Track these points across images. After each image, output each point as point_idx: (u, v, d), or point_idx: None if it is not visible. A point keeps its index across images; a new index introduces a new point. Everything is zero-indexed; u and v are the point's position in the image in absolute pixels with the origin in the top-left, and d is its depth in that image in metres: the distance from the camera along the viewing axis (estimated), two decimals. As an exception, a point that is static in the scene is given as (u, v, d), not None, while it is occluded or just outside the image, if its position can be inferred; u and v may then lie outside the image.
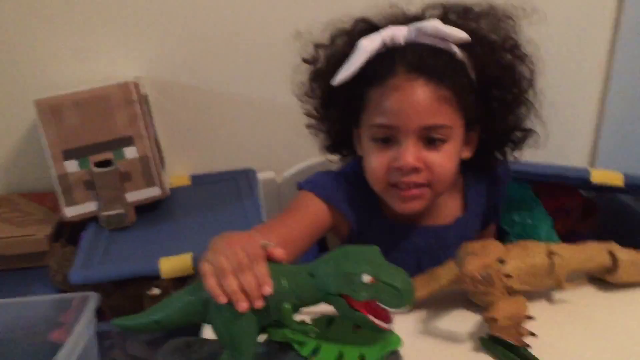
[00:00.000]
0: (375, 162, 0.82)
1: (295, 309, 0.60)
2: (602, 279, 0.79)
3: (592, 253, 0.76)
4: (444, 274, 0.75)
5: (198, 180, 1.64)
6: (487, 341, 0.69)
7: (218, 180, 1.63)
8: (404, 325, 0.73)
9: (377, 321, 0.57)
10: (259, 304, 0.57)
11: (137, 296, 1.26)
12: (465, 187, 0.94)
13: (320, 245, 1.01)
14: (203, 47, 1.55)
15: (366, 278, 0.55)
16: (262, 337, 0.62)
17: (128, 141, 1.41)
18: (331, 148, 0.94)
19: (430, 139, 0.79)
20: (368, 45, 0.78)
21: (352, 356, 0.60)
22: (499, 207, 0.99)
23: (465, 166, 0.89)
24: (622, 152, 1.60)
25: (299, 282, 0.59)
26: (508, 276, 0.69)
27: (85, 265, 1.26)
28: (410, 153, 0.78)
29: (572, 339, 0.71)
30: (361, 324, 0.59)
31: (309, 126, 0.93)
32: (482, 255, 0.71)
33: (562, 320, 0.74)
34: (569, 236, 1.39)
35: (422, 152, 0.79)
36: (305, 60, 0.88)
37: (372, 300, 0.56)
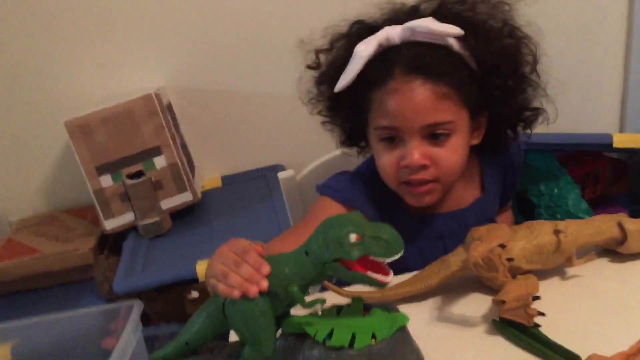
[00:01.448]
0: (385, 161, 0.84)
1: (303, 290, 0.63)
2: (613, 251, 0.78)
3: (601, 226, 0.75)
4: (454, 261, 0.76)
5: (229, 180, 1.68)
6: (499, 324, 0.70)
7: (248, 179, 1.67)
8: (418, 312, 0.76)
9: (376, 276, 0.60)
10: (264, 284, 0.61)
11: (178, 300, 1.32)
12: (481, 169, 0.95)
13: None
14: (220, 52, 1.58)
15: (353, 237, 0.58)
16: (278, 333, 0.65)
17: (156, 151, 1.46)
18: (347, 143, 0.95)
19: (434, 135, 0.80)
20: (364, 51, 0.79)
21: (364, 335, 0.62)
22: (515, 183, 0.99)
23: (479, 148, 0.89)
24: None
25: (298, 264, 0.62)
26: (510, 260, 0.70)
27: (127, 275, 1.33)
28: (416, 151, 0.79)
29: (585, 314, 0.71)
30: (363, 282, 0.61)
31: (323, 123, 0.95)
32: (488, 240, 0.72)
33: (575, 295, 0.74)
34: (601, 200, 1.38)
35: (428, 148, 0.80)
36: (308, 67, 0.90)
37: (366, 257, 0.59)
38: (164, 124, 1.45)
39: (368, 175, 0.91)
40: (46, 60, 1.56)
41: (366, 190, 0.90)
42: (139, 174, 1.45)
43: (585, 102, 1.62)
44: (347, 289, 0.79)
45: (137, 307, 1.24)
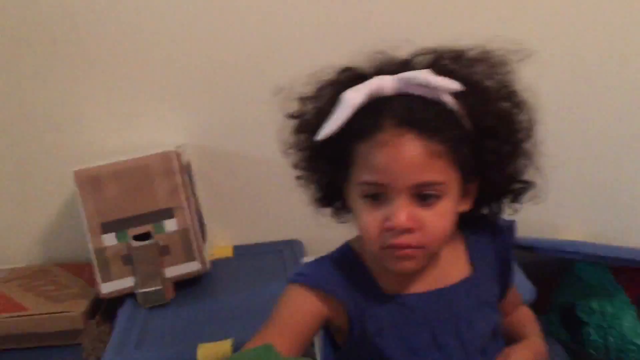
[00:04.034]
0: (367, 221, 0.76)
1: None
2: None
3: None
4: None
5: (241, 251, 1.57)
6: None
7: (262, 251, 1.55)
8: None
9: None
10: None
11: (173, 384, 1.17)
12: (466, 242, 0.86)
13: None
14: (245, 114, 1.50)
15: None
16: None
17: (168, 213, 1.35)
18: (323, 201, 0.87)
19: (423, 195, 0.73)
20: (353, 99, 0.73)
21: None
22: (511, 263, 0.88)
23: (461, 222, 0.82)
24: None
25: None
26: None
27: (118, 351, 1.19)
28: (403, 212, 0.72)
29: None
30: None
31: (298, 177, 0.87)
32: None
33: None
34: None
35: (415, 210, 0.73)
36: (290, 116, 0.83)
37: None
38: (180, 185, 1.35)
39: (338, 256, 0.83)
40: (63, 107, 1.49)
41: (336, 271, 0.81)
42: (146, 236, 1.34)
43: None
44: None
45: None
